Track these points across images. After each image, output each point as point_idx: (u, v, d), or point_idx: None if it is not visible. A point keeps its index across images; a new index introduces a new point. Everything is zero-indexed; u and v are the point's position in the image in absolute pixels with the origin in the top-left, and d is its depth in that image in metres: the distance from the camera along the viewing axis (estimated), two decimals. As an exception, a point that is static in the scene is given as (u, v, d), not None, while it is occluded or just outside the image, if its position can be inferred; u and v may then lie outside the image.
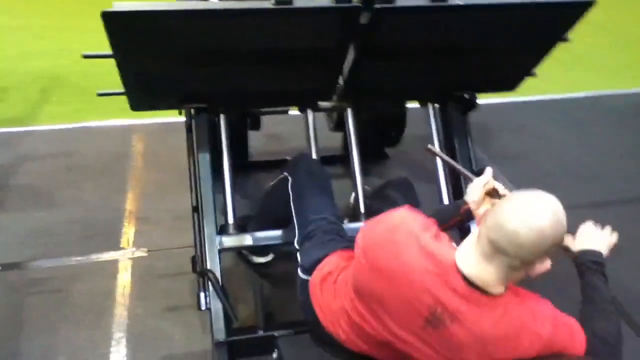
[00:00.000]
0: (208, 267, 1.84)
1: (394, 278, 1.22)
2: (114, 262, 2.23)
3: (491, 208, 1.29)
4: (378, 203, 1.92)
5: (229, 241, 1.91)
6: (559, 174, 2.97)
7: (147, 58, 1.66)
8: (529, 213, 1.10)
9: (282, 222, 1.94)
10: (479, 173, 2.05)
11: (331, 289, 1.49)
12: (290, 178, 1.89)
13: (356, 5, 1.58)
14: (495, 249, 1.12)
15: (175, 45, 1.62)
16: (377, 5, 1.58)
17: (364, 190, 2.10)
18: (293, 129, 3.09)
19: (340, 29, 1.65)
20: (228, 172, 2.00)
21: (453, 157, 2.12)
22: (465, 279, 1.17)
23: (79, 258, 2.24)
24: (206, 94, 1.91)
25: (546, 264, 1.14)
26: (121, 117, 3.22)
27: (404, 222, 1.29)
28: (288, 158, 2.77)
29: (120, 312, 2.03)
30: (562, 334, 1.20)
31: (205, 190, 1.91)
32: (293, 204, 1.82)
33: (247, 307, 2.02)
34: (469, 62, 1.97)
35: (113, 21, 1.48)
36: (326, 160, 2.82)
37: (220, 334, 1.73)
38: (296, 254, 1.70)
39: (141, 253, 2.28)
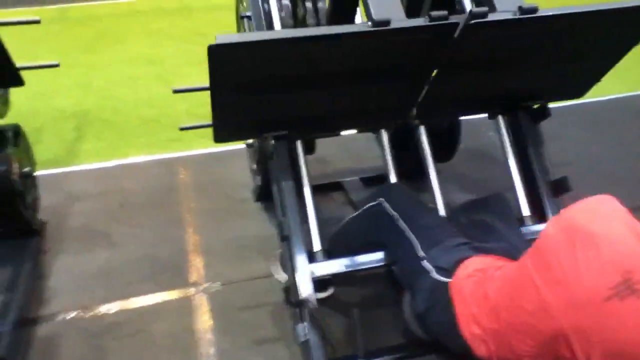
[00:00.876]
0: (303, 297, 1.81)
1: (594, 240, 1.27)
2: (189, 298, 2.18)
3: None
4: (470, 228, 1.89)
5: (322, 268, 1.87)
6: (606, 178, 2.97)
7: (244, 88, 1.64)
8: None
9: (370, 247, 1.93)
10: (556, 183, 2.08)
11: (482, 285, 1.52)
12: (386, 203, 1.88)
13: (453, 22, 1.58)
14: None
15: (274, 73, 1.60)
16: (472, 21, 1.59)
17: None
18: (336, 152, 3.09)
19: (434, 46, 1.65)
20: (310, 198, 1.97)
21: (528, 167, 2.13)
22: None
23: (152, 296, 2.18)
24: (290, 120, 1.89)
25: None
26: (160, 150, 3.20)
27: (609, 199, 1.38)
28: (340, 180, 2.80)
29: (207, 349, 1.97)
30: None
31: (293, 218, 1.88)
32: (403, 220, 1.81)
33: (339, 335, 1.98)
34: (542, 71, 1.98)
35: (218, 53, 1.46)
36: (373, 180, 2.85)
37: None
38: (422, 262, 1.70)
39: (215, 287, 2.23)
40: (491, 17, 1.61)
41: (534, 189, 2.10)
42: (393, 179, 2.08)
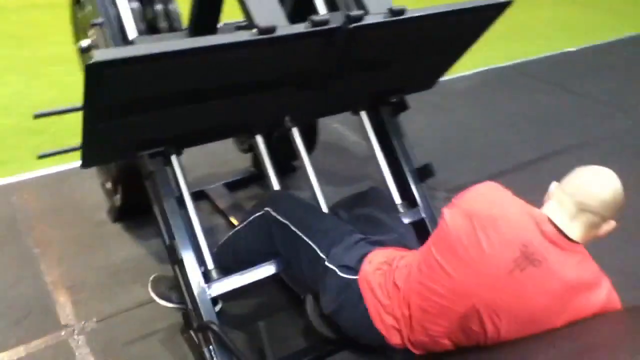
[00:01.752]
0: (205, 319, 1.72)
1: (493, 222, 1.41)
2: (63, 343, 1.93)
3: (568, 180, 1.47)
4: (357, 224, 1.93)
5: (220, 287, 1.79)
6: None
7: (124, 107, 1.48)
8: (607, 178, 1.40)
9: (262, 258, 1.90)
10: (421, 170, 2.23)
11: (390, 276, 1.60)
12: (274, 212, 1.84)
13: (337, 26, 1.59)
14: (581, 209, 1.39)
15: (156, 88, 1.47)
16: (352, 25, 1.62)
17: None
18: (192, 159, 2.96)
19: (319, 52, 1.65)
20: (195, 215, 1.87)
21: (393, 157, 2.25)
22: (555, 227, 1.40)
23: (18, 349, 1.90)
24: (168, 136, 1.75)
25: (612, 224, 1.42)
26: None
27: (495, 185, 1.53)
28: (203, 189, 2.69)
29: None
30: (614, 293, 1.39)
31: (183, 240, 1.77)
32: (296, 227, 1.79)
33: (247, 350, 1.91)
34: (402, 68, 2.09)
35: (98, 72, 1.30)
36: (237, 184, 2.80)
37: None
38: (324, 263, 1.71)
39: (91, 325, 2.01)
40: (367, 19, 1.65)
41: (401, 178, 2.23)
42: (276, 185, 2.05)
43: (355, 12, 1.62)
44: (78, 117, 1.48)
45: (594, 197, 1.38)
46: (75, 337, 1.96)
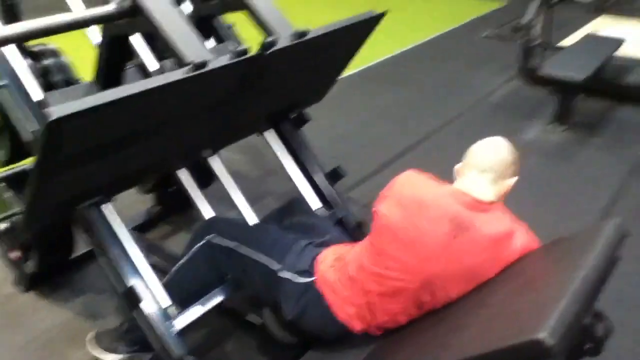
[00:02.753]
0: (179, 356, 1.74)
1: (421, 204, 1.62)
2: None
3: (467, 156, 1.74)
4: (293, 232, 2.06)
5: (184, 320, 1.83)
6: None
7: (74, 159, 1.48)
8: (496, 143, 1.72)
9: (212, 287, 1.97)
10: (331, 174, 2.43)
11: (344, 270, 1.75)
12: (215, 239, 1.91)
13: (257, 54, 1.73)
14: (483, 171, 1.65)
15: (108, 133, 1.50)
16: (268, 51, 1.76)
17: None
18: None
19: (238, 79, 1.77)
20: (141, 256, 1.87)
21: (304, 169, 2.42)
22: (470, 196, 1.64)
23: None
24: (104, 184, 1.75)
25: (514, 178, 1.69)
26: None
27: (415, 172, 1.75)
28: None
29: None
30: (531, 233, 1.70)
31: (138, 282, 1.77)
32: (243, 248, 1.87)
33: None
34: (300, 85, 2.28)
35: (58, 128, 1.31)
36: (146, 226, 2.77)
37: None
38: (278, 275, 1.81)
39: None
40: (280, 44, 1.81)
41: (315, 184, 2.40)
42: (208, 212, 2.10)
43: (269, 39, 1.78)
44: None
45: (491, 159, 1.67)
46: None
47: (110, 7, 1.70)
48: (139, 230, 2.71)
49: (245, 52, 1.70)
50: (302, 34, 1.89)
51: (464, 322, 1.56)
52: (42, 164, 1.40)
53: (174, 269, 2.01)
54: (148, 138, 1.68)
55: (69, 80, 2.14)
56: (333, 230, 2.09)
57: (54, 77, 2.10)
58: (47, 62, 2.10)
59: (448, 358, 1.42)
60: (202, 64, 1.58)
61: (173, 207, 2.85)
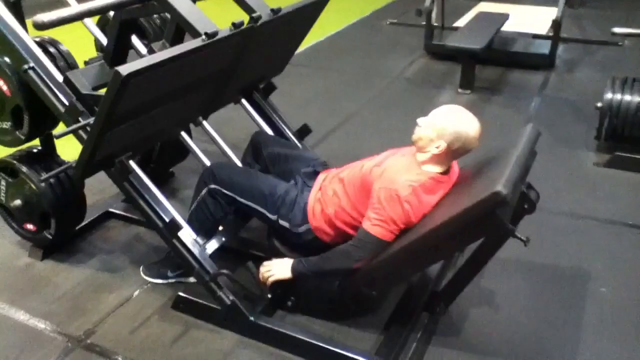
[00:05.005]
0: (214, 272, 2.15)
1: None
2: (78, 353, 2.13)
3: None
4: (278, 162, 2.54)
5: (213, 245, 2.25)
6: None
7: (126, 113, 1.85)
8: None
9: (221, 220, 2.39)
10: (300, 130, 2.90)
11: (331, 222, 2.18)
12: (216, 185, 2.30)
13: (250, 25, 2.17)
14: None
15: (149, 93, 1.89)
16: (259, 22, 2.21)
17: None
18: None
19: (235, 49, 2.21)
20: (165, 200, 2.24)
21: (276, 128, 2.87)
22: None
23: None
24: (138, 140, 2.12)
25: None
26: None
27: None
28: (111, 210, 2.93)
29: None
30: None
31: (172, 218, 2.16)
32: (241, 197, 2.27)
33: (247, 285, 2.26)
34: (268, 58, 2.73)
35: (129, 81, 1.69)
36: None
37: (255, 315, 2.15)
38: (278, 222, 2.25)
39: (89, 338, 2.23)
40: (264, 18, 2.26)
41: (287, 139, 2.86)
42: (206, 161, 2.48)
43: (256, 14, 2.22)
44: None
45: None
46: (89, 340, 2.18)
47: (130, -7, 2.08)
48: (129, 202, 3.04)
49: (242, 24, 2.14)
50: (278, 10, 2.35)
51: (429, 221, 2.05)
52: (106, 117, 1.77)
53: (191, 210, 2.39)
54: (171, 101, 2.08)
55: (72, 65, 2.46)
56: (315, 158, 2.53)
57: (59, 62, 2.41)
58: (52, 50, 2.42)
59: (422, 232, 1.93)
60: (214, 34, 2.00)
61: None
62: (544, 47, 5.22)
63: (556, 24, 4.90)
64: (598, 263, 2.62)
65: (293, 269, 2.14)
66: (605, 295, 2.42)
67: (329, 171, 2.35)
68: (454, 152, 2.01)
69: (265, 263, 2.22)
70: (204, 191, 2.34)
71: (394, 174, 2.01)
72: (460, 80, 4.68)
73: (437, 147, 1.99)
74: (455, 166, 2.16)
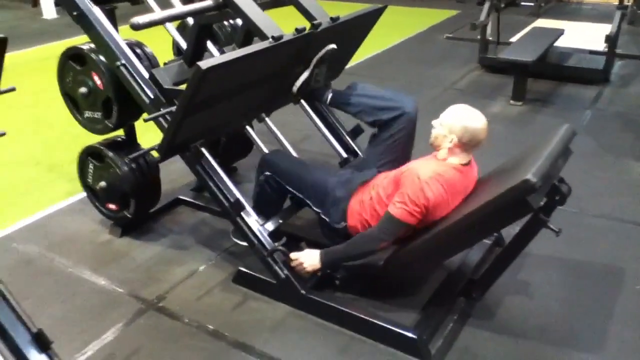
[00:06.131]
0: (271, 247, 2.41)
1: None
2: (154, 311, 2.44)
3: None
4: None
5: (270, 225, 2.51)
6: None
7: (202, 102, 2.15)
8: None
9: (278, 203, 2.68)
10: (353, 131, 3.14)
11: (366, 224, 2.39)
12: (271, 173, 2.57)
13: (311, 31, 2.44)
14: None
15: (227, 85, 2.18)
16: (319, 29, 2.48)
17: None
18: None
19: (296, 52, 2.48)
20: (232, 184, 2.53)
21: (332, 128, 3.13)
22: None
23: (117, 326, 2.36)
24: (210, 128, 2.42)
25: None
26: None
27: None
28: (179, 197, 3.26)
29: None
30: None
31: (238, 200, 2.44)
32: (290, 186, 2.53)
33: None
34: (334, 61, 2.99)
35: (208, 74, 1.98)
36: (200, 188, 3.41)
37: (306, 289, 2.39)
38: (321, 215, 2.49)
39: (165, 298, 2.53)
40: (323, 25, 2.53)
41: (341, 139, 3.11)
42: (264, 149, 2.78)
43: (316, 22, 2.50)
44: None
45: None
46: (160, 304, 2.48)
47: (208, 2, 2.40)
48: (197, 191, 3.36)
49: (304, 29, 2.42)
50: (336, 18, 2.62)
51: (465, 207, 2.25)
52: (186, 105, 2.07)
53: (253, 194, 2.67)
54: (240, 95, 2.37)
55: (154, 65, 2.80)
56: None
57: (143, 62, 2.75)
58: (138, 51, 2.76)
59: (458, 216, 2.14)
60: (280, 37, 2.28)
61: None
62: (598, 63, 5.29)
63: (610, 40, 4.97)
64: (635, 263, 2.73)
65: (321, 260, 2.35)
66: (639, 292, 2.54)
67: (378, 176, 2.52)
68: (465, 144, 2.24)
69: (294, 255, 2.39)
70: (261, 177, 2.62)
71: (418, 166, 2.27)
72: (512, 92, 4.82)
73: (450, 142, 2.24)
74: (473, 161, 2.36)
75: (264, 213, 2.60)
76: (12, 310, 1.71)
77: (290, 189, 2.56)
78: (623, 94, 5.04)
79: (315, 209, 2.53)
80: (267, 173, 2.60)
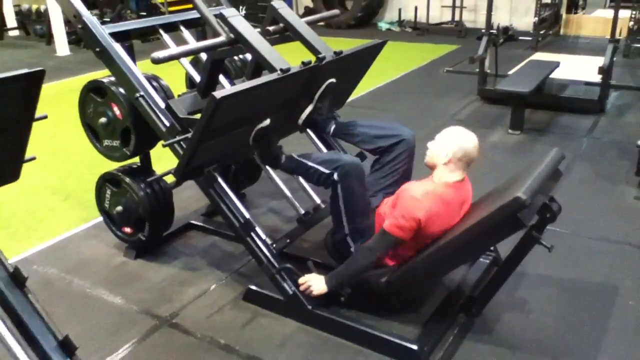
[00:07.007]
0: (280, 266, 2.55)
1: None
2: (168, 333, 2.57)
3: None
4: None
5: (280, 244, 2.65)
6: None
7: (214, 131, 2.32)
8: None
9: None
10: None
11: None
12: (337, 178, 2.51)
13: (316, 64, 2.62)
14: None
15: (236, 114, 2.35)
16: (324, 62, 2.66)
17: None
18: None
19: (302, 83, 2.65)
20: (242, 206, 2.68)
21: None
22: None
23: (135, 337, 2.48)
24: (222, 154, 2.59)
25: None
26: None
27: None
28: (191, 222, 3.41)
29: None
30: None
31: (248, 221, 2.59)
32: (344, 205, 2.53)
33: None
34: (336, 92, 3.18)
35: (223, 103, 2.15)
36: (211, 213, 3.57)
37: (313, 305, 2.51)
38: (346, 238, 2.59)
39: (180, 316, 2.66)
40: (327, 59, 2.72)
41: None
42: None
43: (322, 55, 2.69)
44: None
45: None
46: (174, 321, 2.60)
47: (221, 39, 2.59)
48: (208, 216, 3.52)
49: (310, 63, 2.60)
50: (339, 52, 2.81)
51: (460, 226, 2.40)
52: (202, 132, 2.23)
53: (298, 165, 2.65)
54: (250, 123, 2.54)
55: (169, 96, 2.99)
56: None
57: (159, 94, 2.94)
58: (154, 84, 2.96)
59: (455, 234, 2.28)
60: (287, 69, 2.47)
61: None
62: (594, 93, 5.48)
63: (603, 71, 5.17)
64: (628, 281, 2.84)
65: (327, 284, 2.49)
66: (632, 307, 2.65)
67: (383, 202, 2.69)
68: (459, 160, 2.41)
69: (302, 279, 2.52)
70: (326, 169, 2.53)
71: (412, 186, 2.47)
72: (510, 121, 5.00)
73: (445, 157, 2.42)
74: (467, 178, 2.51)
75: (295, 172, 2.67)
76: (40, 318, 1.86)
77: (341, 205, 2.53)
78: (618, 123, 5.22)
79: (346, 230, 2.56)
80: (336, 178, 2.52)
